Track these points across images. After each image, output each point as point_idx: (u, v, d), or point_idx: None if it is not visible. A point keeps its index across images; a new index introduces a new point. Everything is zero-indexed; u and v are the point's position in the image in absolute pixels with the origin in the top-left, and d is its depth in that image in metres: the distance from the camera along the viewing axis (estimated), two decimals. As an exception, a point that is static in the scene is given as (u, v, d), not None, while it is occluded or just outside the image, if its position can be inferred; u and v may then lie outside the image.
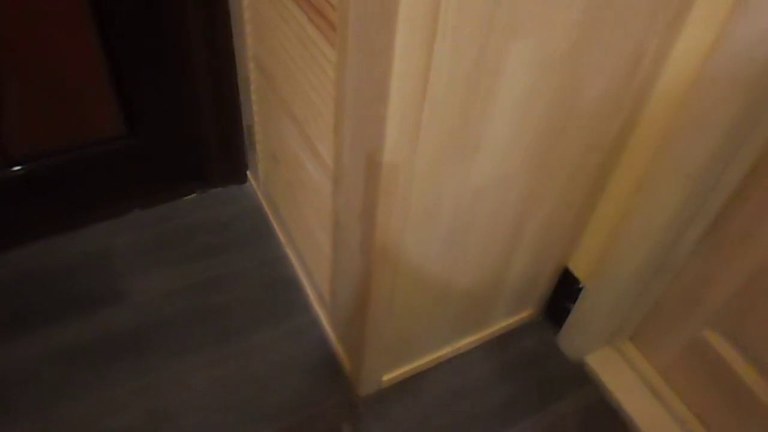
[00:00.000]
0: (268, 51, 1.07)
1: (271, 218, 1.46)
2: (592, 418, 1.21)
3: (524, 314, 1.33)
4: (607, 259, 1.14)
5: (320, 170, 0.99)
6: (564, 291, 1.28)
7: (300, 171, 1.09)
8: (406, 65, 0.61)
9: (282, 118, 1.11)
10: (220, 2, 1.18)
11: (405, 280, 0.93)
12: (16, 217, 1.34)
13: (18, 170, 1.28)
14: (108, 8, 1.13)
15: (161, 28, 1.20)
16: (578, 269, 1.24)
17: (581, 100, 0.82)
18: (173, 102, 1.32)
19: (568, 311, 1.28)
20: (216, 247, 1.41)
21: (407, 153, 0.72)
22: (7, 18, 1.06)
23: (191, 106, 1.35)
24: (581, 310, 1.24)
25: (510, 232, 1.00)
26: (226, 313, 1.29)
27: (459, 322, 1.18)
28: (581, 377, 1.27)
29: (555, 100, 0.79)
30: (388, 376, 1.17)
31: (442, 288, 1.02)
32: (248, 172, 1.55)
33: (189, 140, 1.42)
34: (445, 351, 1.23)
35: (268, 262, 1.39)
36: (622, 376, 1.27)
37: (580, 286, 1.23)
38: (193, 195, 1.53)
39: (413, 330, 1.09)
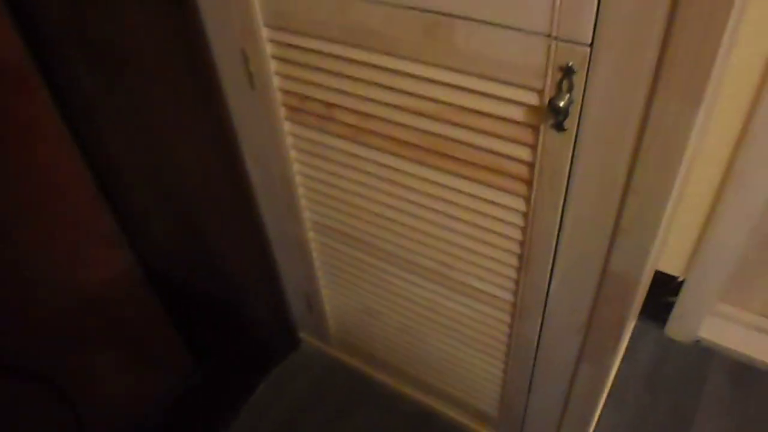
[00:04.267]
0: (347, 213, 1.01)
1: (365, 370, 1.38)
2: (739, 378, 1.32)
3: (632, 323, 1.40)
4: (703, 249, 1.24)
5: (486, 306, 0.97)
6: (660, 290, 1.36)
7: (437, 313, 1.06)
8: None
9: (381, 273, 1.06)
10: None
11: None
12: None
13: None
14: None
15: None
16: (669, 267, 1.33)
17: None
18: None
19: (670, 304, 1.37)
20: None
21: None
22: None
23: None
24: (687, 299, 1.34)
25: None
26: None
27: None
28: (704, 352, 1.39)
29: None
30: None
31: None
32: (301, 334, 1.45)
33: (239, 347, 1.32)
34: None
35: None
36: (735, 331, 1.39)
37: (680, 279, 1.32)
38: (261, 387, 1.40)
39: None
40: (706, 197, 1.17)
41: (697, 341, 1.40)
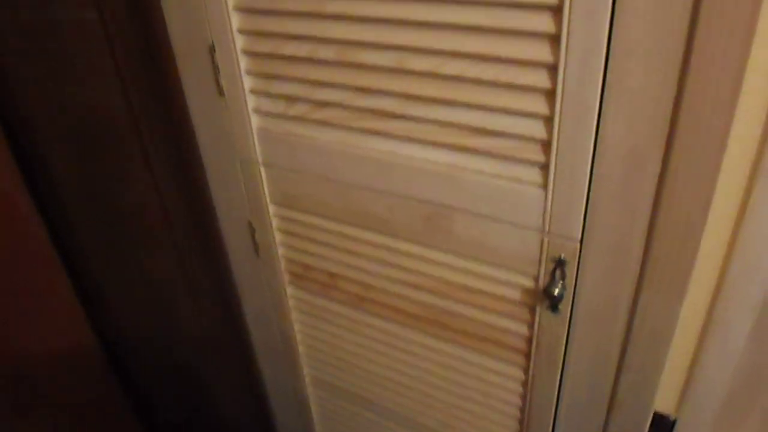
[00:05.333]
0: (347, 372, 1.03)
1: None
2: None
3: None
4: (693, 385, 1.27)
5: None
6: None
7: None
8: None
9: (383, 429, 1.07)
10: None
11: None
12: None
13: None
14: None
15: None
16: (661, 406, 1.34)
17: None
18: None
19: (665, 444, 1.37)
20: None
21: None
22: None
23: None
24: (682, 439, 1.34)
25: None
26: None
27: None
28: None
29: None
30: None
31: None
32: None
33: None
34: None
35: None
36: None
37: (672, 419, 1.34)
38: None
39: None
40: (691, 340, 1.20)
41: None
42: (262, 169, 0.85)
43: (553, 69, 0.57)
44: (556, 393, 0.79)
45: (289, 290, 0.99)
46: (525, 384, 0.82)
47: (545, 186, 0.64)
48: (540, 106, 0.59)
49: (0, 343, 1.06)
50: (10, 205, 1.06)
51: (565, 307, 0.71)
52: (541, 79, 0.58)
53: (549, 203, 0.65)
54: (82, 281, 1.19)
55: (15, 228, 1.07)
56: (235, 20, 0.74)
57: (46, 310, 1.13)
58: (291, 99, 0.76)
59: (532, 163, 0.64)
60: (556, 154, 0.61)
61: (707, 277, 1.14)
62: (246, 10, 0.72)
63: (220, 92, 0.81)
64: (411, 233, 0.77)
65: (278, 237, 0.92)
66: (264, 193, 0.88)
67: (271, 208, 0.89)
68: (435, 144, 0.69)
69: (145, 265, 1.10)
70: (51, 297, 1.13)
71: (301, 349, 1.07)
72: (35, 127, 1.03)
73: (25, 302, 1.09)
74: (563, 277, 0.68)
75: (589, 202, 0.62)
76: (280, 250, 0.94)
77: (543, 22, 0.55)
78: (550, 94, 0.58)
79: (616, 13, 0.51)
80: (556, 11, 0.54)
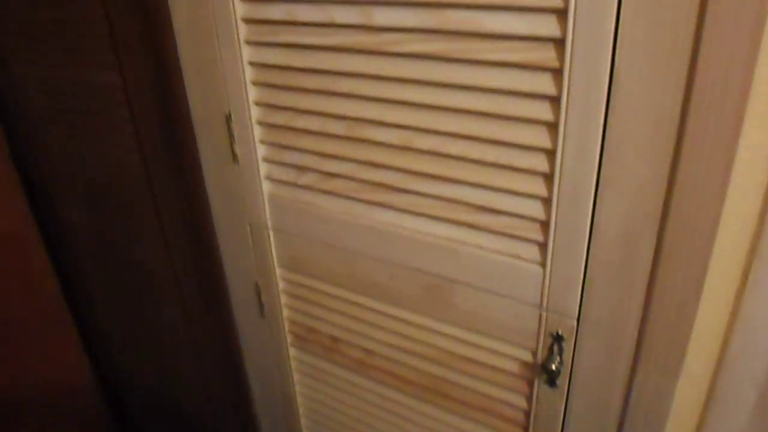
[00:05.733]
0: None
1: None
2: None
3: None
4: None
5: None
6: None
7: None
8: None
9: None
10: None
11: None
12: None
13: None
14: None
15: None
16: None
17: None
18: None
19: None
20: None
21: None
22: None
23: None
24: None
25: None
26: None
27: None
28: None
29: None
30: None
31: None
32: None
33: None
34: None
35: None
36: None
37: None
38: None
39: None
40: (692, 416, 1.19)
41: None
42: (271, 234, 0.87)
43: (551, 154, 0.60)
44: (554, 467, 0.79)
45: (292, 352, 1.00)
46: (523, 456, 0.82)
47: (543, 264, 0.66)
48: (539, 188, 0.62)
49: (3, 384, 1.07)
50: (23, 252, 1.09)
51: (562, 381, 0.72)
52: (540, 163, 0.61)
53: (547, 280, 0.66)
54: (89, 329, 1.20)
55: (27, 275, 1.10)
56: (252, 93, 0.78)
57: (51, 355, 1.14)
58: (301, 169, 0.80)
59: (530, 242, 0.66)
60: (554, 234, 0.63)
61: (708, 352, 1.14)
62: (263, 84, 0.76)
63: (234, 158, 0.84)
64: (412, 302, 0.79)
65: (284, 299, 0.94)
66: (272, 257, 0.90)
67: (278, 271, 0.92)
68: (437, 218, 0.71)
69: (151, 318, 1.11)
70: (57, 343, 1.15)
71: (301, 410, 1.07)
72: (53, 180, 1.07)
73: (31, 347, 1.11)
74: (560, 353, 0.69)
75: (586, 280, 0.64)
76: (285, 312, 0.95)
77: (543, 110, 0.58)
78: (549, 178, 0.61)
79: (611, 105, 0.54)
80: (555, 100, 0.57)
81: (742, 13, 0.46)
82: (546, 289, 0.67)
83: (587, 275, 0.64)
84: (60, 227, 1.12)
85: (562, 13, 0.54)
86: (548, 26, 0.55)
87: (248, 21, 0.73)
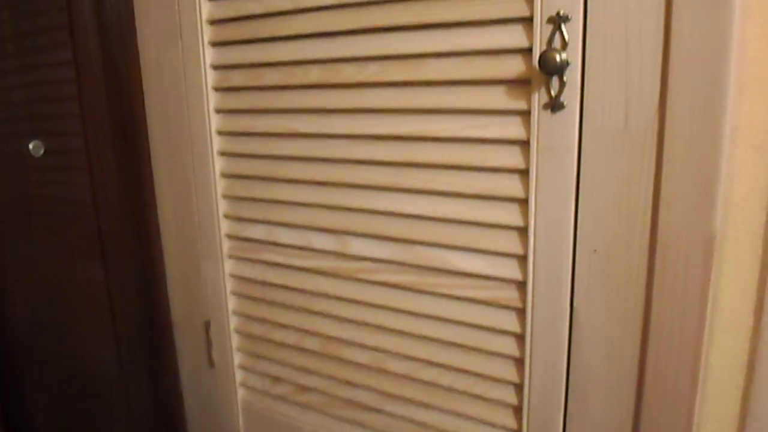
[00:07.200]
0: None
1: None
2: None
3: None
4: None
5: None
6: None
7: None
8: None
9: None
10: None
11: None
12: None
13: None
14: None
15: None
16: None
17: None
18: None
19: None
20: None
21: None
22: None
23: None
24: None
25: None
26: None
27: None
28: None
29: None
30: None
31: None
32: None
33: None
34: None
35: None
36: None
37: None
38: None
39: None
40: None
41: None
42: (245, 443, 0.85)
43: (519, 387, 0.61)
44: None
45: None
46: None
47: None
48: (509, 420, 0.62)
49: None
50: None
51: None
52: (509, 394, 0.61)
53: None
54: None
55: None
56: (232, 303, 0.80)
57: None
58: (276, 379, 0.80)
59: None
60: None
61: None
62: (241, 295, 0.79)
63: (211, 364, 0.84)
64: None
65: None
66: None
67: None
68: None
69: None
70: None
71: None
72: (26, 375, 1.05)
73: None
74: None
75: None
76: None
77: (508, 346, 0.60)
78: (518, 410, 0.61)
79: (575, 290, 0.55)
80: (520, 338, 0.59)
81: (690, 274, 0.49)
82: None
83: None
84: (26, 420, 1.08)
85: (522, 259, 0.57)
86: (510, 269, 0.58)
87: (231, 237, 0.77)
